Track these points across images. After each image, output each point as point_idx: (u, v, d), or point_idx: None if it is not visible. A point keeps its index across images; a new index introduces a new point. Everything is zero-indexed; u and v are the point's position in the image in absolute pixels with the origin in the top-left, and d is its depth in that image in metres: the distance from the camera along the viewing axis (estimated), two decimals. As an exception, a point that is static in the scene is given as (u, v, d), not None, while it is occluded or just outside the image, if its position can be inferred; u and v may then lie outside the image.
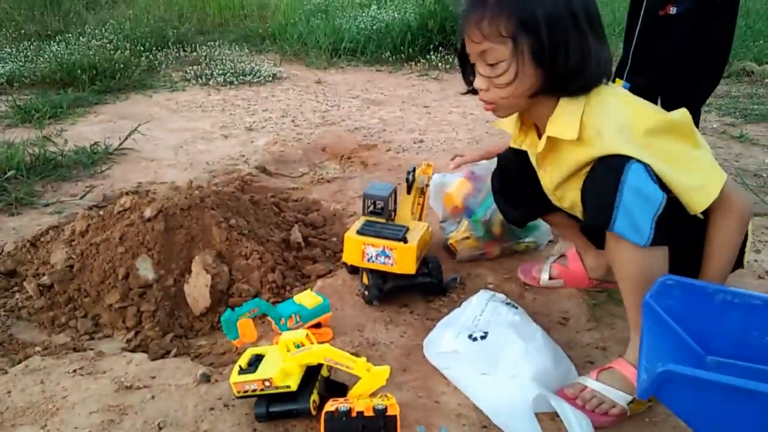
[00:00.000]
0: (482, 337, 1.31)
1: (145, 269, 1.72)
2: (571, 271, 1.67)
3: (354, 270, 1.79)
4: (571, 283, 1.68)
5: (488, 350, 1.29)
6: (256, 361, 1.30)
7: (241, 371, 1.27)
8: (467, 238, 1.83)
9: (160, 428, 1.25)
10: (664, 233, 1.15)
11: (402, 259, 1.58)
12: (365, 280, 1.66)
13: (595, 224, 1.19)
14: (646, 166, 1.13)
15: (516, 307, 1.46)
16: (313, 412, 1.24)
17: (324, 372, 1.33)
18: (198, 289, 1.72)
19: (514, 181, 1.52)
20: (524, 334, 1.32)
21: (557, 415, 1.20)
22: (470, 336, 1.32)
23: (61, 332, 1.65)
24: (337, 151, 2.94)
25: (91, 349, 1.56)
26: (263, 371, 1.26)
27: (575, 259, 1.66)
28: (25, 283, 1.78)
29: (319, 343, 1.34)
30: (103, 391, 1.36)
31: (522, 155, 1.43)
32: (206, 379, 1.40)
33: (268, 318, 1.53)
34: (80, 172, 2.68)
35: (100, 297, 1.72)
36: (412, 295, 1.69)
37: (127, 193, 2.02)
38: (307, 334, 1.30)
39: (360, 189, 2.31)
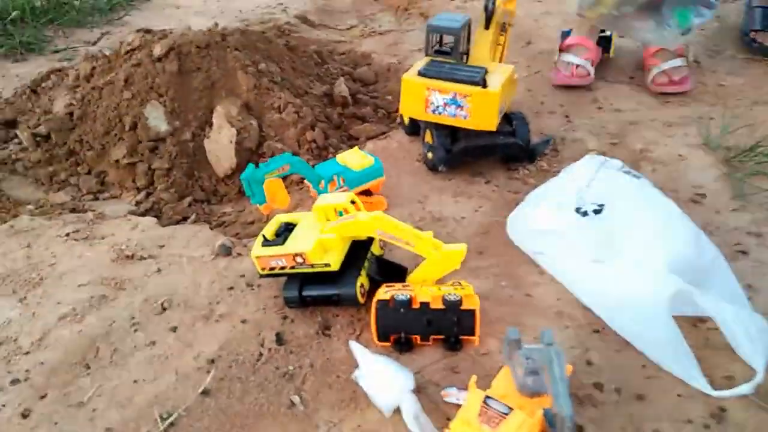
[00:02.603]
0: (596, 211, 0.94)
1: (156, 118, 1.39)
2: (592, 50, 1.63)
3: (414, 130, 1.42)
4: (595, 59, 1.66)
5: (604, 228, 0.92)
6: (285, 230, 0.98)
7: (266, 242, 0.96)
8: None
9: (164, 309, 0.97)
10: None
11: (479, 110, 1.19)
12: (429, 138, 1.29)
13: None
14: None
15: (638, 177, 1.07)
16: (361, 300, 0.93)
17: (375, 249, 1.00)
18: (221, 146, 1.39)
19: None
20: (654, 209, 0.94)
21: (701, 321, 0.86)
22: (579, 210, 0.96)
23: (60, 190, 1.38)
24: (392, 0, 2.45)
25: (92, 211, 1.28)
26: (295, 244, 0.94)
27: (585, 40, 1.62)
28: (18, 132, 1.49)
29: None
30: (100, 260, 1.09)
31: None
32: (227, 251, 1.10)
33: (307, 182, 1.20)
34: (96, 18, 2.33)
35: (105, 151, 1.42)
36: (488, 160, 1.31)
37: (137, 31, 1.66)
38: (353, 199, 0.96)
39: (419, 42, 1.88)
